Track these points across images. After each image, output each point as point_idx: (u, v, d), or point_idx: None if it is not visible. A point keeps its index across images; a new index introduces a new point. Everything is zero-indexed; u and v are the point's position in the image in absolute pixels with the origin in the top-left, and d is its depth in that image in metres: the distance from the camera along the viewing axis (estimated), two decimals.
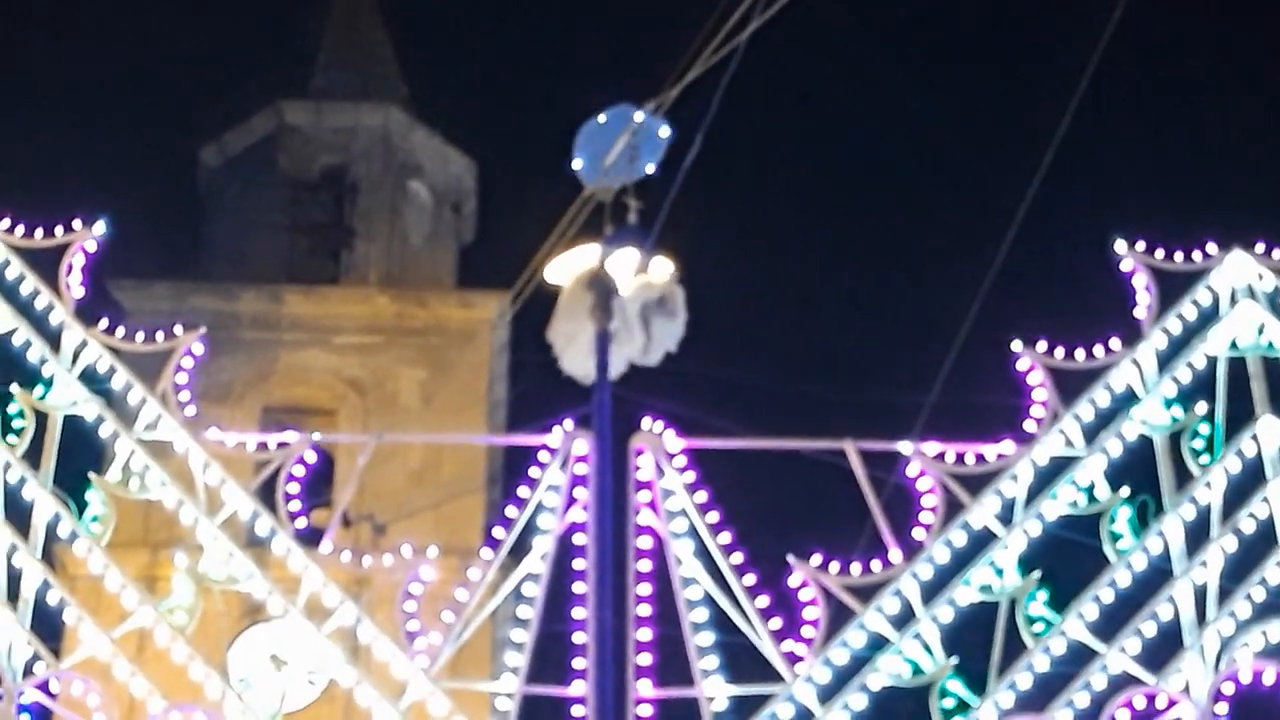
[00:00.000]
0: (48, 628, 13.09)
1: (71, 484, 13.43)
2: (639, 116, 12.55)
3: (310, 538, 13.18)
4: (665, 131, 12.63)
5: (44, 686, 12.61)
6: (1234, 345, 13.91)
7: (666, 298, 12.78)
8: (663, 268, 12.77)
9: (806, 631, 12.62)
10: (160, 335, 13.86)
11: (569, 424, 13.13)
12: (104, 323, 13.93)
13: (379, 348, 26.47)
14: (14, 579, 13.03)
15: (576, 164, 12.69)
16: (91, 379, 13.72)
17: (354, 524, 22.12)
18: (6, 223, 14.20)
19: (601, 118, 12.72)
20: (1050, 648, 12.73)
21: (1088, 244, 14.40)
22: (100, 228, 14.21)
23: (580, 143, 12.75)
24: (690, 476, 12.97)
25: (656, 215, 12.81)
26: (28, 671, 12.70)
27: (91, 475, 13.39)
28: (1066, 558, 13.26)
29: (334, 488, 20.36)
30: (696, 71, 12.35)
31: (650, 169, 12.61)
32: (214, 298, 25.79)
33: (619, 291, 12.61)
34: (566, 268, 12.85)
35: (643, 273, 12.68)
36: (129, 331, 13.93)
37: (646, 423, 13.13)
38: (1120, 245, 14.18)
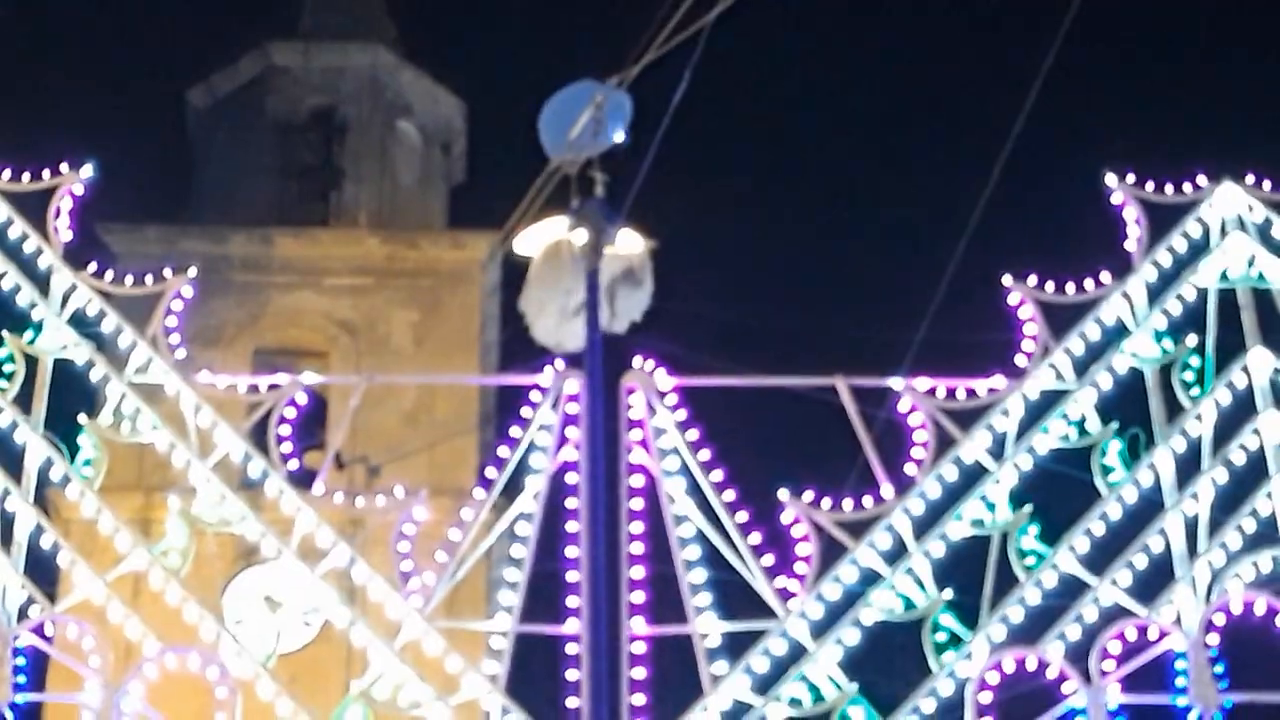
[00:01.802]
0: (42, 572, 13.11)
1: (63, 428, 13.43)
2: (601, 92, 12.57)
3: (303, 480, 13.18)
4: (627, 105, 12.67)
5: (39, 630, 12.63)
6: (1224, 277, 13.93)
7: (635, 269, 12.87)
8: (630, 240, 12.87)
9: (799, 568, 12.66)
10: (150, 279, 13.83)
11: (560, 364, 13.16)
12: (93, 266, 13.90)
13: (370, 289, 26.42)
14: (7, 523, 13.04)
15: (543, 138, 12.77)
16: (81, 323, 13.71)
17: (347, 466, 22.15)
18: None
19: (564, 93, 12.75)
20: (1042, 581, 12.78)
21: (1078, 177, 14.38)
22: (88, 171, 14.17)
23: (545, 117, 12.84)
24: (682, 415, 12.99)
25: (639, 167, 12.85)
26: (22, 615, 12.72)
27: (83, 419, 13.39)
28: (1058, 491, 13.30)
29: (326, 430, 20.35)
30: (655, 54, 12.37)
31: (618, 138, 12.63)
32: (204, 241, 25.71)
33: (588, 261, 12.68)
34: (535, 239, 12.96)
35: (610, 245, 12.73)
36: (118, 275, 13.90)
37: (638, 361, 13.14)
38: (1110, 178, 14.17)
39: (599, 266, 12.89)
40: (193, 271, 13.91)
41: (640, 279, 12.85)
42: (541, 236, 12.93)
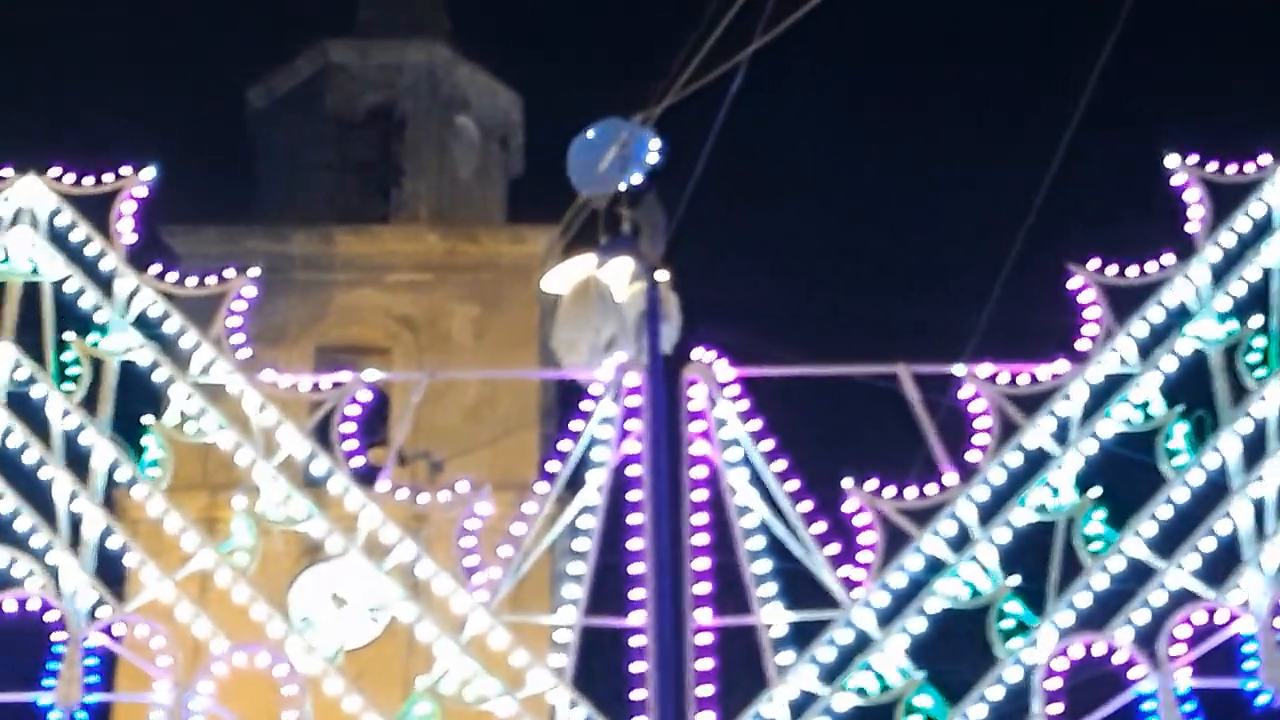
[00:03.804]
0: (110, 573, 13.20)
1: (129, 430, 13.52)
2: (628, 129, 12.87)
3: (367, 477, 13.23)
4: (655, 144, 12.97)
5: (108, 630, 12.72)
6: None
7: (664, 302, 13.00)
8: (658, 275, 13.03)
9: (863, 556, 12.62)
10: (212, 279, 13.89)
11: (621, 356, 13.15)
12: (156, 268, 13.99)
13: (431, 285, 26.53)
14: (75, 525, 13.14)
15: (571, 174, 12.98)
16: (145, 324, 13.79)
17: (410, 462, 22.25)
18: (56, 170, 14.26)
19: (591, 132, 13.05)
20: (1108, 566, 12.69)
21: (1139, 159, 14.26)
22: (149, 173, 14.25)
23: (573, 153, 13.03)
24: (743, 405, 12.96)
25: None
26: (92, 615, 12.81)
27: (148, 420, 13.47)
28: (1123, 476, 13.21)
29: (389, 426, 20.44)
30: (673, 97, 12.55)
31: (638, 179, 12.92)
32: (266, 240, 25.88)
33: (616, 300, 12.82)
34: (564, 277, 13.17)
35: (638, 279, 12.91)
36: (181, 276, 13.97)
37: (698, 352, 13.13)
38: (1172, 159, 14.05)
39: (655, 266, 13.05)
40: (255, 271, 13.96)
41: (668, 312, 12.98)
42: (569, 275, 13.10)
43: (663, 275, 13.09)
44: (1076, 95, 14.05)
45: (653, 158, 12.98)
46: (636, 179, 12.98)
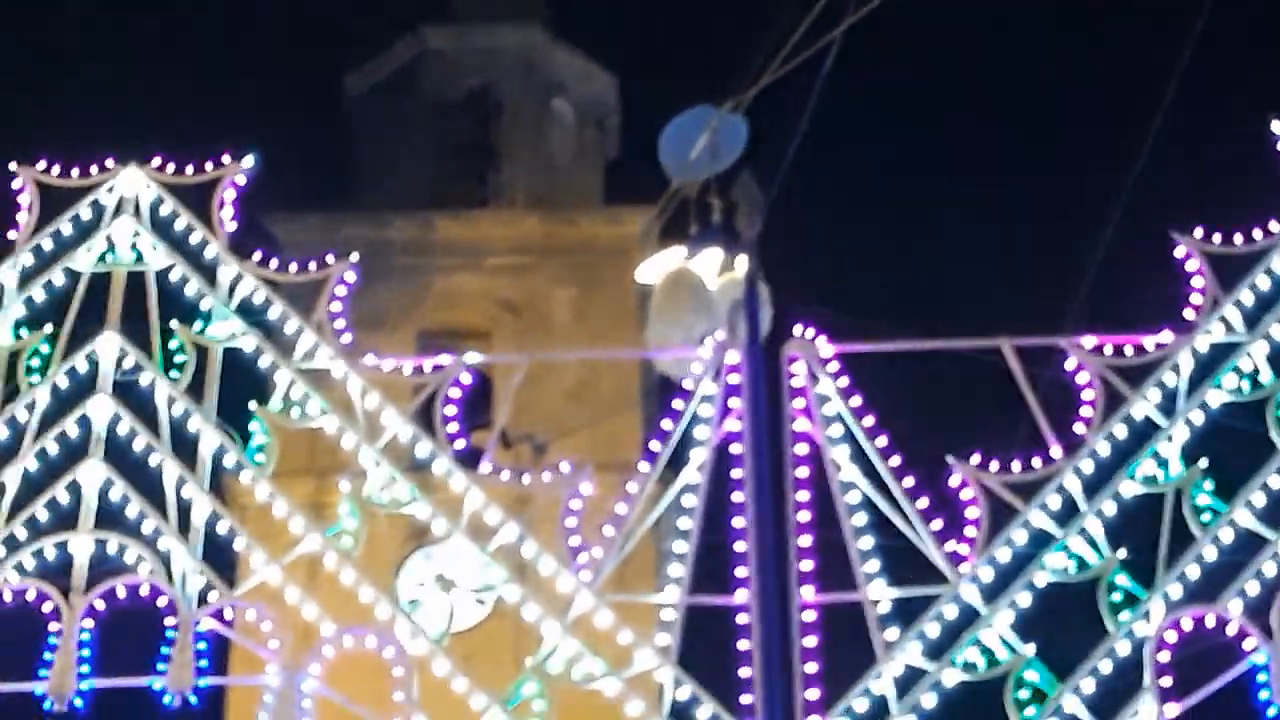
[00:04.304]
0: (219, 558, 13.32)
1: (235, 416, 13.63)
2: (719, 116, 12.88)
3: (469, 459, 13.28)
4: (740, 143, 13.01)
5: (219, 614, 12.84)
6: None
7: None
8: (747, 263, 13.01)
9: (969, 531, 12.54)
10: (314, 265, 13.98)
11: (720, 334, 13.14)
12: (257, 255, 14.09)
13: (530, 268, 26.62)
14: (184, 511, 13.25)
15: (662, 160, 13.00)
16: (248, 311, 13.89)
17: (514, 444, 22.33)
18: (157, 160, 14.39)
19: (682, 119, 13.10)
20: (1219, 537, 12.55)
21: (1243, 125, 14.06)
22: (249, 161, 14.34)
23: (664, 140, 13.09)
24: (844, 381, 12.91)
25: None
26: (202, 600, 12.94)
27: (254, 406, 13.59)
28: (1232, 446, 13.05)
29: (491, 409, 20.52)
30: (770, 78, 12.50)
31: (733, 158, 12.96)
32: (365, 226, 26.03)
33: (708, 290, 12.82)
34: (656, 268, 13.22)
35: (729, 270, 12.94)
36: (283, 263, 14.07)
37: (798, 330, 13.09)
38: (1277, 125, 13.84)
39: (755, 238, 13.05)
40: (355, 257, 14.04)
41: (760, 301, 12.92)
42: (662, 266, 13.13)
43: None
44: (1177, 60, 13.86)
45: (741, 144, 13.00)
46: (727, 165, 13.01)
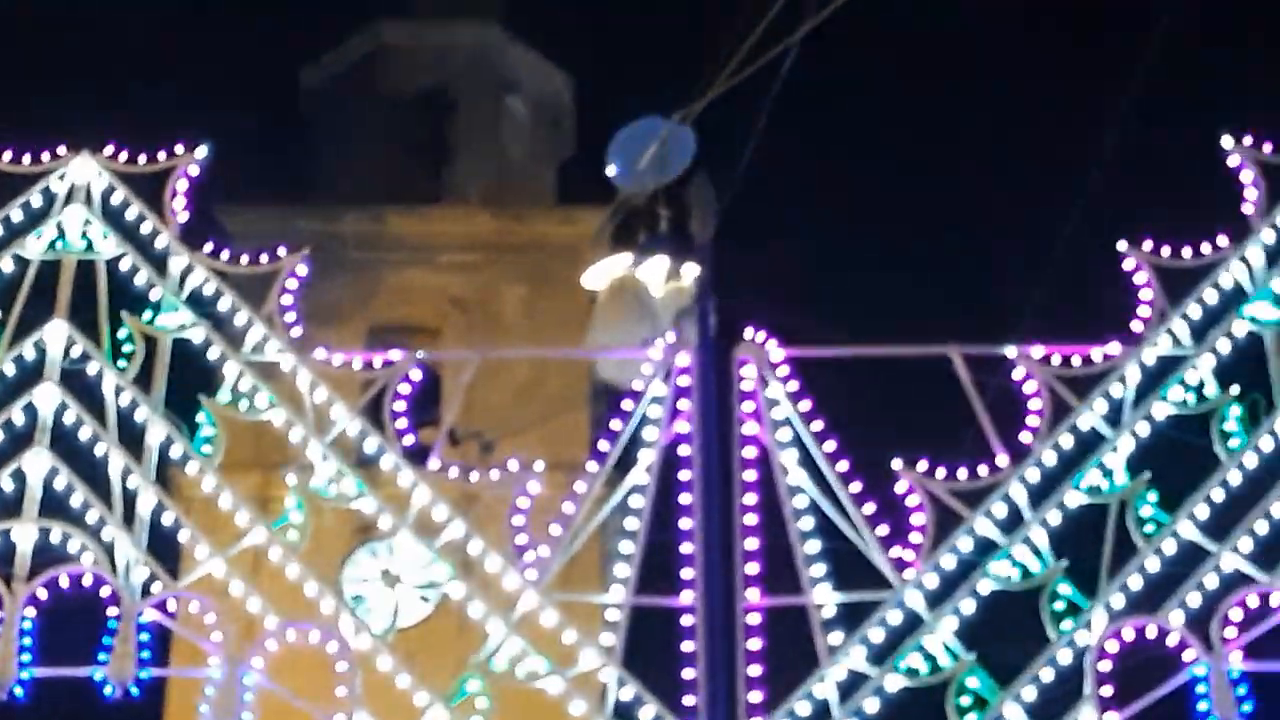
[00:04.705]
0: (163, 549, 13.27)
1: (182, 407, 13.58)
2: (668, 127, 13.04)
3: (417, 456, 13.27)
4: (688, 154, 13.20)
5: (161, 606, 12.80)
6: None
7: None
8: (693, 272, 13.16)
9: (914, 537, 12.61)
10: (265, 257, 13.94)
11: (671, 336, 13.17)
12: (209, 246, 14.03)
13: (482, 265, 26.59)
14: (129, 501, 13.20)
15: (610, 170, 13.09)
16: (198, 302, 13.84)
17: (461, 441, 22.27)
18: (110, 149, 14.32)
19: (631, 129, 13.28)
20: (1162, 549, 12.64)
21: (1194, 140, 14.17)
22: (202, 151, 14.29)
23: (613, 150, 13.21)
24: (793, 385, 12.96)
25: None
26: (145, 591, 12.89)
27: (201, 398, 13.53)
28: (1176, 458, 13.14)
29: (440, 406, 20.50)
30: (720, 89, 12.59)
31: (683, 168, 13.13)
32: (317, 219, 25.92)
33: (651, 298, 12.92)
34: (601, 275, 13.39)
35: (675, 279, 13.07)
36: (234, 254, 14.02)
37: (749, 333, 13.14)
38: (1227, 140, 13.95)
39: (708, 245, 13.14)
40: (307, 250, 14.00)
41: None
42: (607, 273, 13.24)
43: (694, 272, 13.17)
44: (1131, 76, 13.96)
45: (689, 155, 13.13)
46: (675, 176, 13.14)
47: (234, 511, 13.20)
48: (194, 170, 14.25)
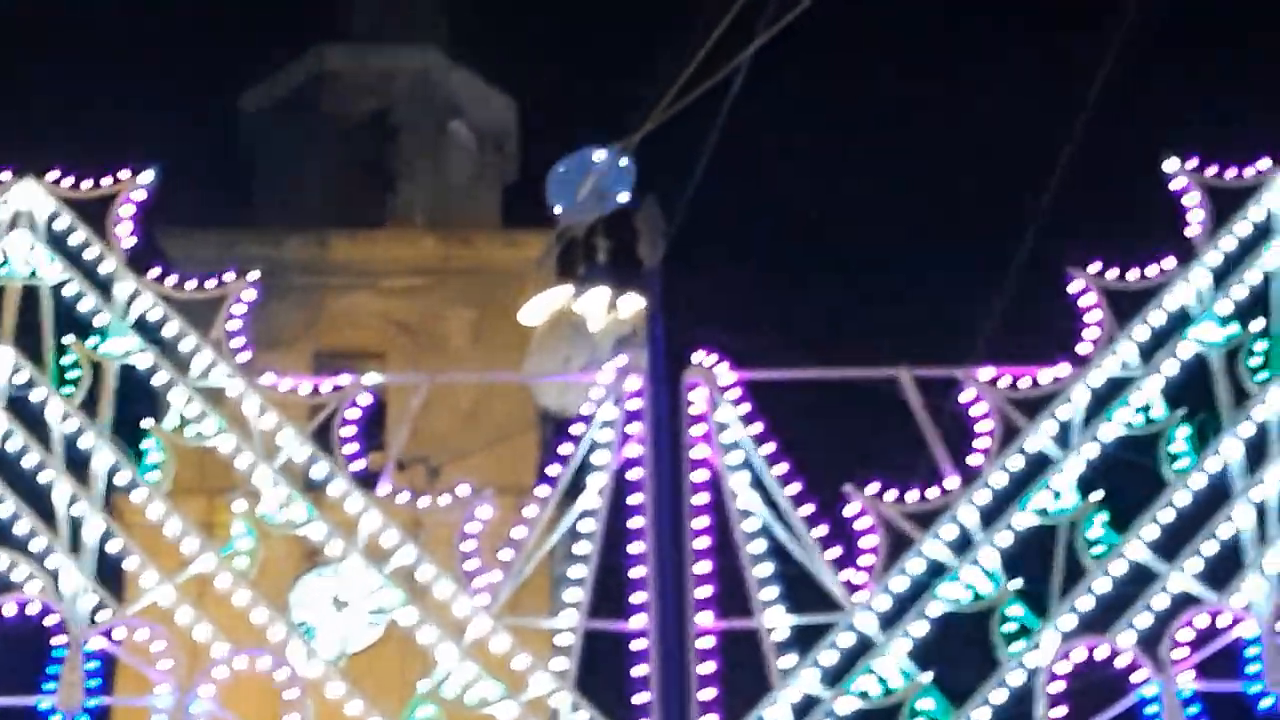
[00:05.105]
0: (111, 576, 13.17)
1: (129, 433, 13.48)
2: (603, 155, 13.19)
3: (366, 481, 13.21)
4: (631, 181, 13.28)
5: (109, 634, 12.69)
6: None
7: (636, 331, 13.19)
8: (631, 303, 13.24)
9: (865, 560, 12.62)
10: (212, 282, 13.86)
11: (621, 359, 13.15)
12: (155, 271, 13.94)
13: (426, 289, 26.52)
14: (75, 528, 13.10)
15: (549, 201, 13.16)
16: (144, 328, 13.75)
17: (407, 466, 22.16)
18: (55, 174, 14.21)
19: (570, 160, 13.39)
20: (1110, 569, 12.69)
21: (1142, 163, 14.26)
22: (148, 176, 14.20)
23: (552, 180, 13.32)
24: (745, 408, 12.96)
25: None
26: (92, 620, 12.77)
27: (148, 424, 13.43)
28: (1125, 479, 13.21)
29: (386, 430, 20.42)
30: (658, 120, 12.67)
31: (623, 199, 13.21)
32: (261, 244, 25.79)
33: (590, 330, 13.07)
34: (540, 308, 13.49)
35: (614, 310, 13.21)
36: (180, 279, 13.93)
37: (699, 356, 13.13)
38: (1171, 163, 14.05)
39: (658, 263, 13.17)
40: (255, 274, 13.94)
41: (642, 341, 13.02)
42: (546, 305, 13.38)
43: (637, 303, 13.22)
44: (1080, 100, 14.05)
45: (630, 184, 13.23)
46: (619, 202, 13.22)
47: (181, 538, 13.09)
48: (139, 195, 14.17)
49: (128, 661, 12.89)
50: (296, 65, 29.22)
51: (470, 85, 29.61)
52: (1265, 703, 12.12)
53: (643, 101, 12.99)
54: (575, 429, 13.11)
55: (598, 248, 13.49)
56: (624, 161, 13.22)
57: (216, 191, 28.45)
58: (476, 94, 29.68)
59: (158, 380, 13.59)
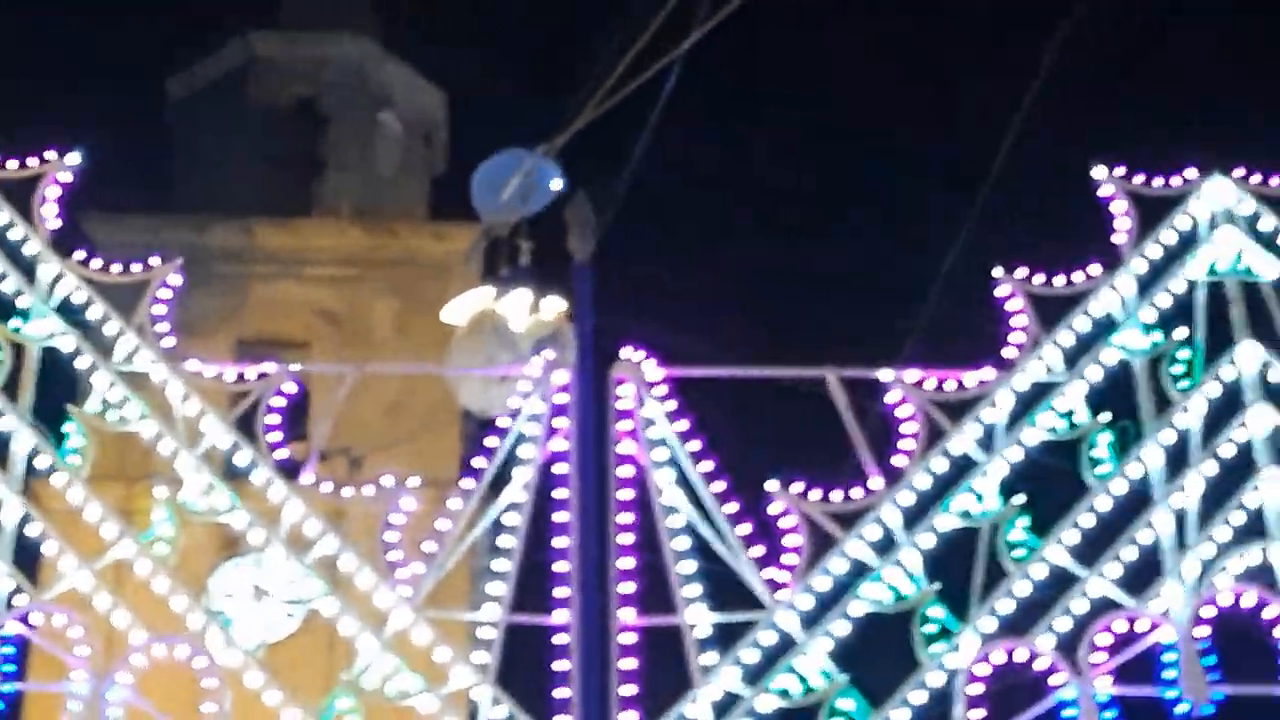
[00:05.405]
0: (28, 561, 13.02)
1: (50, 417, 13.34)
2: (531, 159, 13.20)
3: (286, 471, 13.12)
4: (557, 183, 13.35)
5: (25, 619, 12.55)
6: (1213, 270, 13.89)
7: (558, 333, 13.21)
8: (554, 305, 13.33)
9: (788, 559, 12.63)
10: (137, 266, 13.74)
11: (549, 353, 13.14)
12: (80, 254, 13.80)
13: (352, 280, 26.39)
14: None
15: (475, 201, 13.18)
16: (68, 311, 13.61)
17: (329, 457, 22.04)
18: None
19: (494, 161, 13.46)
20: (1031, 573, 12.76)
21: (1071, 170, 14.36)
22: (75, 158, 14.07)
23: (476, 181, 13.30)
24: (671, 405, 12.96)
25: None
26: (8, 604, 12.63)
27: (70, 407, 13.30)
28: (1047, 484, 13.28)
29: (309, 420, 20.29)
30: (586, 119, 12.70)
31: (547, 201, 13.31)
32: (185, 230, 25.59)
33: (510, 330, 13.08)
34: (462, 309, 13.55)
35: (536, 311, 13.28)
36: (105, 263, 13.79)
37: (627, 352, 13.12)
38: (1099, 171, 14.15)
39: (588, 258, 13.18)
40: (180, 260, 13.84)
41: (564, 343, 13.04)
42: (468, 306, 13.33)
43: (559, 305, 13.21)
44: (1012, 106, 14.13)
45: (555, 186, 13.23)
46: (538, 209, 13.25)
47: (101, 523, 12.95)
48: (66, 176, 14.02)
49: (44, 647, 12.73)
50: (226, 51, 29.02)
51: (401, 76, 29.50)
52: (1181, 708, 12.21)
53: (573, 92, 12.96)
54: (501, 422, 13.06)
55: (521, 249, 13.45)
56: (549, 164, 13.22)
57: (142, 176, 28.24)
58: (407, 85, 29.57)
59: (80, 364, 13.47)
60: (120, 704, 12.17)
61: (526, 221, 13.43)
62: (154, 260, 13.80)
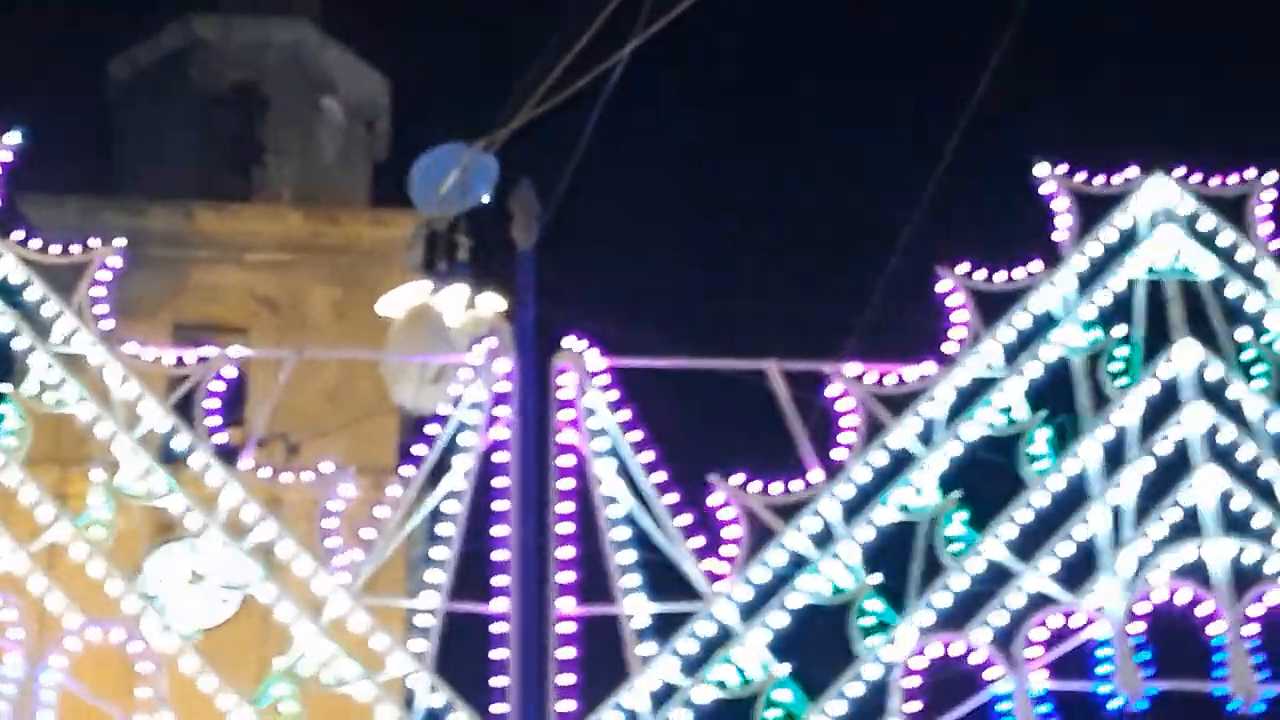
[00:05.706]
0: None
1: None
2: (471, 154, 13.17)
3: (224, 456, 13.05)
4: (494, 178, 13.37)
5: None
6: (1152, 269, 13.98)
7: (495, 330, 13.17)
8: (491, 302, 13.32)
9: (727, 550, 12.65)
10: (77, 248, 13.64)
11: (491, 341, 13.11)
12: (18, 234, 13.68)
13: (292, 265, 26.33)
14: None
15: (412, 195, 13.13)
16: (5, 291, 13.49)
17: (266, 443, 21.97)
18: None
19: (433, 155, 13.40)
20: (968, 567, 12.81)
21: (1013, 166, 14.43)
22: (14, 137, 13.94)
23: (415, 174, 13.25)
24: (613, 395, 12.95)
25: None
26: None
27: (7, 389, 13.19)
28: (985, 479, 13.35)
29: (247, 405, 20.19)
30: (524, 118, 12.68)
31: (485, 199, 13.30)
32: (124, 214, 25.49)
33: (446, 326, 13.09)
34: (398, 303, 13.48)
35: (473, 307, 13.25)
36: (44, 244, 13.68)
37: (569, 341, 13.10)
38: (1041, 168, 14.21)
39: (532, 246, 13.17)
40: (120, 242, 13.75)
41: (501, 341, 13.06)
42: (404, 300, 13.27)
43: (497, 303, 13.21)
44: (956, 102, 14.19)
45: (493, 181, 13.23)
46: (481, 200, 13.23)
47: (36, 506, 12.85)
48: (4, 156, 13.90)
49: None
50: (167, 33, 28.90)
51: (343, 61, 29.42)
52: (1114, 703, 12.30)
53: (517, 79, 12.92)
54: (442, 409, 13.03)
55: (459, 244, 13.42)
56: (488, 160, 13.20)
57: (83, 158, 28.05)
58: (349, 70, 29.49)
59: (18, 345, 13.34)
60: (54, 688, 12.08)
61: (466, 216, 13.39)
62: (94, 242, 13.70)
